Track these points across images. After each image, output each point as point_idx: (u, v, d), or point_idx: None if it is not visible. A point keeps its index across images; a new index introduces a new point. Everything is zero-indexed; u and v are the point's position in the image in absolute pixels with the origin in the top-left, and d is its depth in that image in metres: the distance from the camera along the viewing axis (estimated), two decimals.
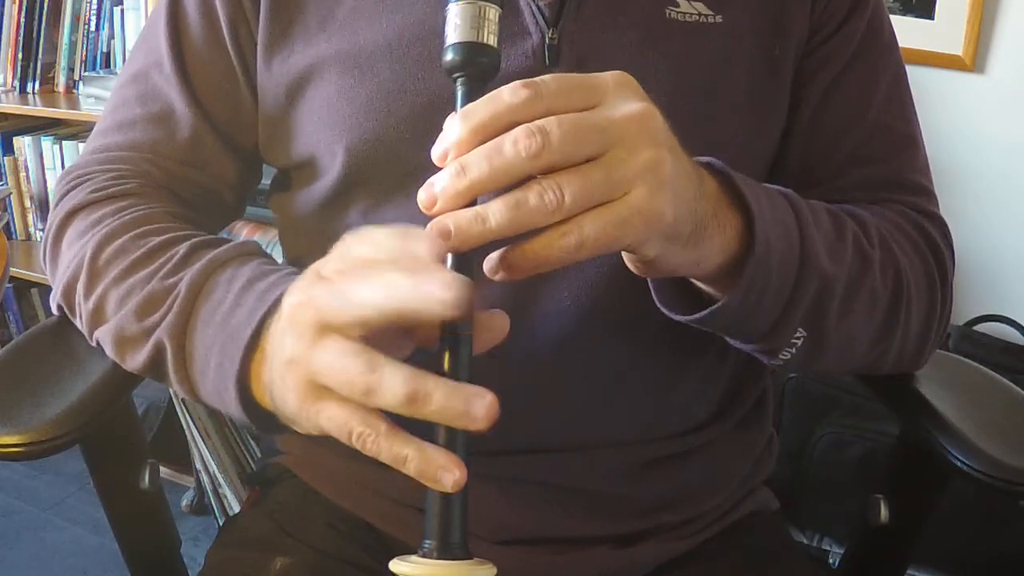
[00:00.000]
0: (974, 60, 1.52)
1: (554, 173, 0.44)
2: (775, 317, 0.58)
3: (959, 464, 0.64)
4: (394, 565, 0.45)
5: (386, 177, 0.66)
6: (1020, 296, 1.58)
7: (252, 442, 1.66)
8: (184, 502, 1.79)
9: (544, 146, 0.43)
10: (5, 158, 2.02)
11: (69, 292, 0.65)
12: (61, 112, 1.88)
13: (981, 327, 1.54)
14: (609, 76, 0.47)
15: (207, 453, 1.64)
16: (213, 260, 0.60)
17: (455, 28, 0.48)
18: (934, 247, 0.68)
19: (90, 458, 0.72)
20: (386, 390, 0.43)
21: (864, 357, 0.65)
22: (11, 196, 2.01)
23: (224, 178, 0.73)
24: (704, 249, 0.52)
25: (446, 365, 0.45)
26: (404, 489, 0.69)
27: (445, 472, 0.43)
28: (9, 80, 1.97)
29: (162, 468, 1.02)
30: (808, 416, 1.46)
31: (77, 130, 2.01)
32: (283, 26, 0.67)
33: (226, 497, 1.67)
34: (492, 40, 0.48)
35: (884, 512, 0.72)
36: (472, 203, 0.45)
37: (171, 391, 1.50)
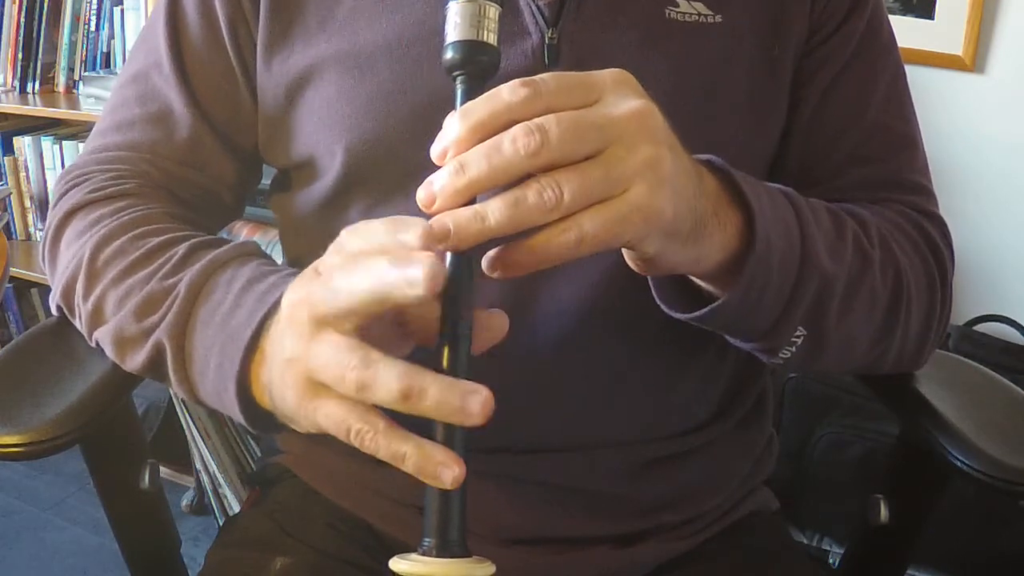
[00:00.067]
0: (974, 60, 1.52)
1: (553, 171, 0.44)
2: (775, 315, 0.58)
3: (959, 464, 0.64)
4: (393, 563, 0.45)
5: (386, 177, 0.66)
6: (1020, 296, 1.58)
7: (252, 442, 1.66)
8: (184, 502, 1.79)
9: (543, 144, 0.43)
10: (5, 158, 2.02)
11: (68, 293, 0.65)
12: (61, 112, 1.88)
13: (981, 327, 1.54)
14: (608, 74, 0.47)
15: (207, 453, 1.64)
16: (213, 261, 0.60)
17: (455, 27, 0.48)
18: (934, 247, 0.68)
19: (90, 458, 0.72)
20: (380, 385, 0.43)
21: (864, 357, 0.65)
22: (11, 196, 2.02)
23: (223, 178, 0.73)
24: (704, 246, 0.52)
25: (445, 363, 0.45)
26: (404, 489, 0.69)
27: (444, 469, 0.43)
28: (9, 80, 1.97)
29: (162, 468, 1.02)
30: (808, 416, 1.46)
31: (77, 130, 2.01)
32: (283, 26, 0.67)
33: (226, 497, 1.67)
34: (492, 39, 0.48)
35: (884, 512, 0.72)
36: (471, 201, 0.45)
37: (171, 391, 1.50)
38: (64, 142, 1.97)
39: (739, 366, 0.74)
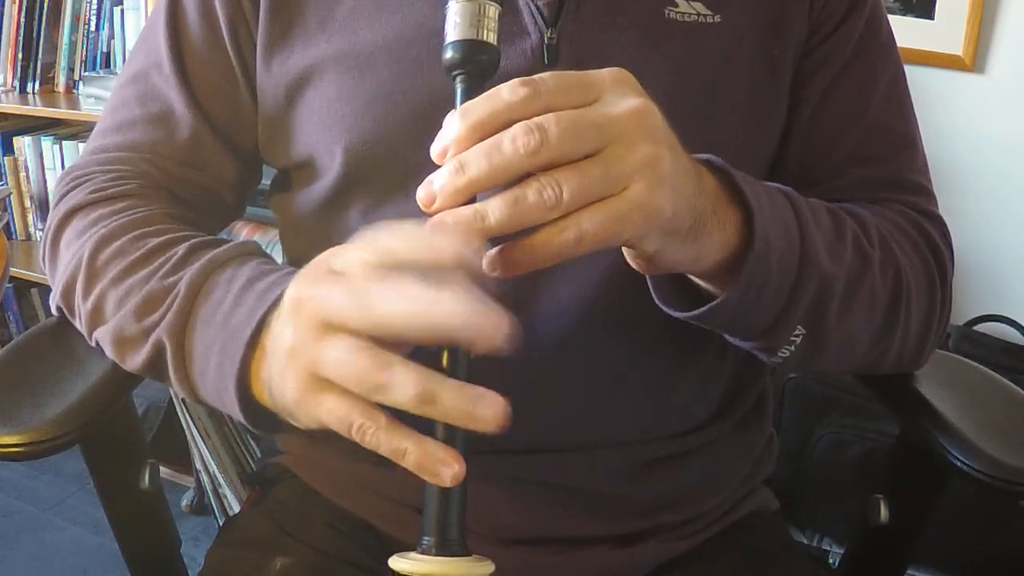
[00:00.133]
0: (974, 60, 1.52)
1: (553, 170, 0.44)
2: (774, 314, 0.58)
3: (959, 464, 0.64)
4: (393, 562, 0.45)
5: (385, 177, 0.66)
6: (1020, 296, 1.58)
7: (252, 442, 1.65)
8: (184, 502, 1.80)
9: (542, 143, 0.43)
10: (5, 158, 2.02)
11: (68, 293, 0.65)
12: (61, 112, 1.88)
13: (981, 327, 1.54)
14: (607, 73, 0.47)
15: (207, 453, 1.64)
16: (212, 260, 0.60)
17: (455, 26, 0.48)
18: (934, 247, 0.68)
19: (90, 458, 0.72)
20: (397, 389, 0.43)
21: (864, 356, 0.65)
22: (11, 196, 2.02)
23: (224, 179, 0.73)
24: (703, 245, 0.52)
25: (445, 362, 0.46)
26: (404, 489, 0.69)
27: (444, 466, 0.44)
28: (9, 80, 1.97)
29: (162, 468, 1.02)
30: (808, 416, 1.46)
31: (77, 130, 2.01)
32: (282, 27, 0.67)
33: (226, 497, 1.67)
34: (492, 38, 0.48)
35: (884, 512, 0.72)
36: (471, 201, 0.45)
37: (171, 391, 1.50)
38: (64, 142, 1.97)
39: (739, 366, 0.74)
